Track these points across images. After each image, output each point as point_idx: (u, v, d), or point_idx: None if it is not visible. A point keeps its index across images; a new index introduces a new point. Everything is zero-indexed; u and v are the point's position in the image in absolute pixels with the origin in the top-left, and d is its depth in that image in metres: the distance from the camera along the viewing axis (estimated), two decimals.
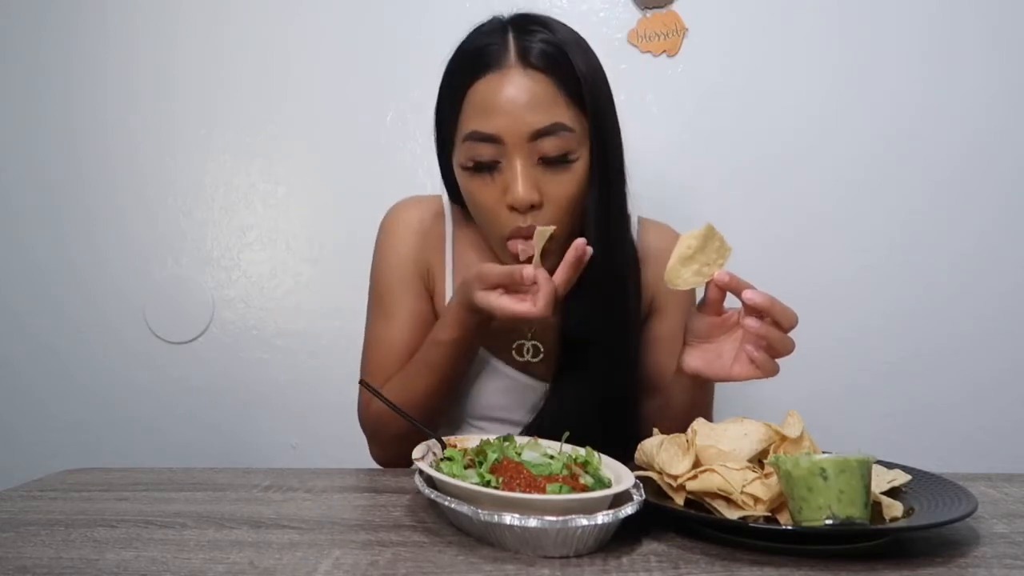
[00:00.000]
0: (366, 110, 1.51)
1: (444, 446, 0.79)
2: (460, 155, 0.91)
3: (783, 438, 0.73)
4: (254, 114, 1.53)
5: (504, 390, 1.02)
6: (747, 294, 0.78)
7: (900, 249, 1.44)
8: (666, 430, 0.77)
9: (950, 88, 1.43)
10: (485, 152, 0.88)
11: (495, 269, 0.82)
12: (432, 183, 1.51)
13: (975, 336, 1.43)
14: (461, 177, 0.92)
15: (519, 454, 0.73)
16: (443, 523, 0.71)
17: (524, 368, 1.02)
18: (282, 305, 1.54)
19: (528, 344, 1.01)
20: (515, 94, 0.86)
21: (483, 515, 0.62)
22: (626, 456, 0.76)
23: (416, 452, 0.75)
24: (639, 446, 0.78)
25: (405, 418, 0.82)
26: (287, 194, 1.54)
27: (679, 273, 0.79)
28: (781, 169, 1.46)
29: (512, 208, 0.88)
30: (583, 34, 1.45)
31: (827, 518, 0.62)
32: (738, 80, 1.46)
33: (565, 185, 0.89)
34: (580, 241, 0.82)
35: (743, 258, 1.45)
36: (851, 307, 1.45)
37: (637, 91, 1.45)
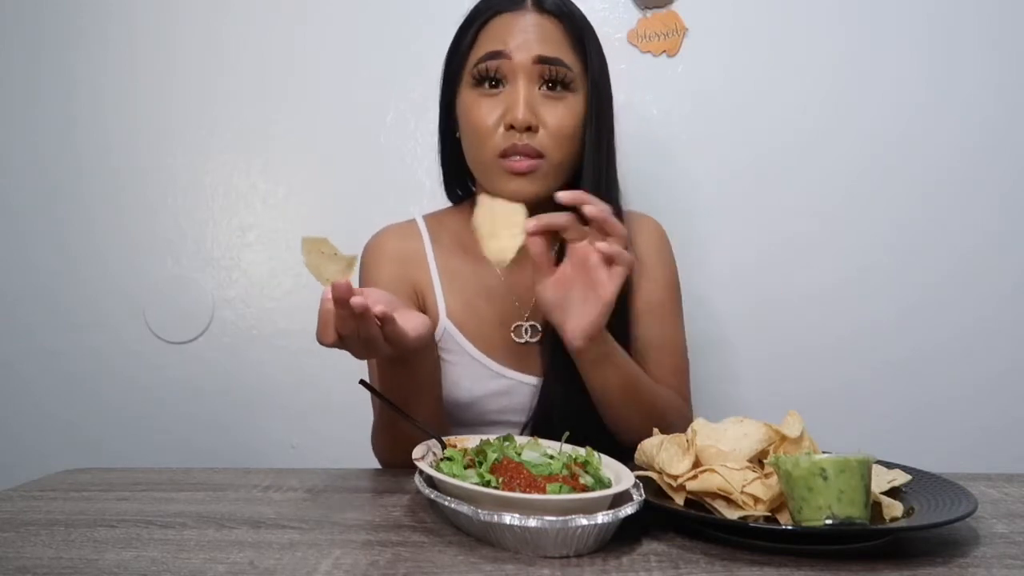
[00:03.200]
0: (366, 110, 1.51)
1: (444, 446, 0.79)
2: (470, 76, 0.97)
3: (783, 438, 0.73)
4: (254, 114, 1.53)
5: (501, 392, 1.02)
6: (589, 209, 0.81)
7: (900, 249, 1.44)
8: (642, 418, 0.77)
9: (950, 88, 1.43)
10: (492, 68, 0.95)
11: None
12: (432, 183, 1.52)
13: (975, 336, 1.43)
14: (467, 99, 0.98)
15: (519, 454, 0.73)
16: (443, 523, 0.71)
17: (519, 366, 1.02)
18: (282, 305, 1.54)
19: (526, 325, 1.03)
20: (527, 27, 0.96)
21: (483, 515, 0.62)
22: (625, 455, 0.77)
23: (416, 452, 0.75)
24: (639, 446, 0.78)
25: (405, 418, 0.82)
26: (287, 194, 1.54)
27: (498, 247, 0.81)
28: (780, 169, 1.45)
29: (511, 127, 0.93)
30: None
31: (827, 518, 0.62)
32: (738, 80, 1.45)
33: (561, 114, 0.95)
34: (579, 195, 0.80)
35: (743, 258, 1.47)
36: (851, 307, 1.45)
37: (637, 91, 1.45)
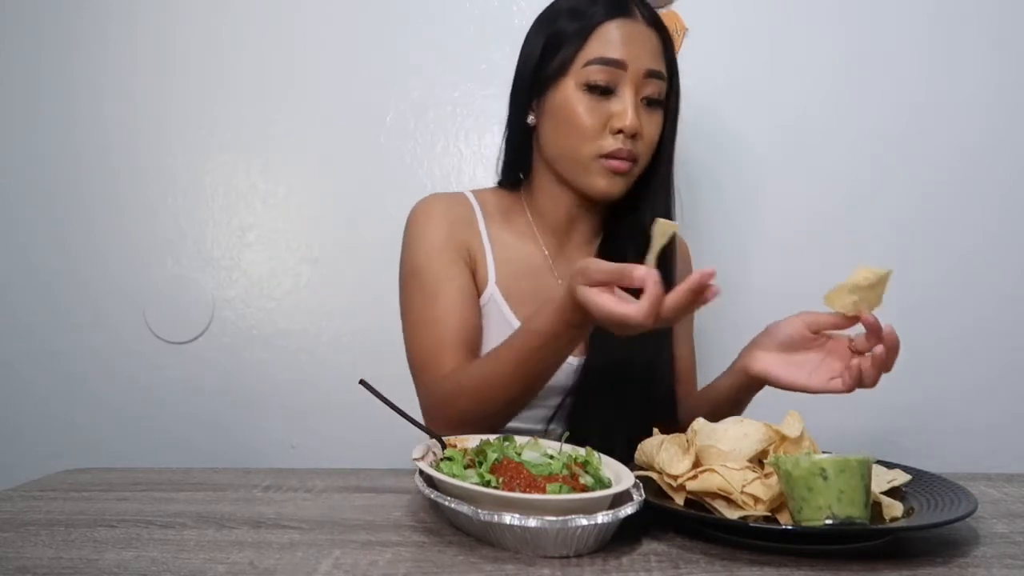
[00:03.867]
0: (366, 110, 1.51)
1: (444, 446, 0.79)
2: (579, 77, 1.00)
3: (783, 438, 0.73)
4: (254, 114, 1.53)
5: None
6: (888, 328, 0.87)
7: (899, 248, 1.44)
8: (686, 419, 0.78)
9: (950, 88, 1.43)
10: (606, 76, 0.99)
11: (602, 265, 0.77)
12: (432, 183, 1.53)
13: (975, 336, 1.43)
14: (572, 97, 1.00)
15: (519, 454, 0.73)
16: (443, 523, 0.71)
17: None
18: (282, 305, 1.54)
19: None
20: (641, 39, 1.01)
21: (483, 515, 0.62)
22: (628, 450, 0.77)
23: (416, 452, 0.75)
24: (639, 446, 0.78)
25: (405, 418, 0.82)
26: (287, 194, 1.54)
27: (841, 296, 0.84)
28: (780, 169, 1.45)
29: (618, 132, 0.99)
30: None
31: (827, 518, 0.62)
32: (738, 80, 1.45)
33: (654, 126, 1.03)
34: (710, 270, 0.77)
35: (742, 257, 1.47)
36: None
37: None
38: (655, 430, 0.80)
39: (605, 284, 0.77)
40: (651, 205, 1.06)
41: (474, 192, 1.13)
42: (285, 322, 1.54)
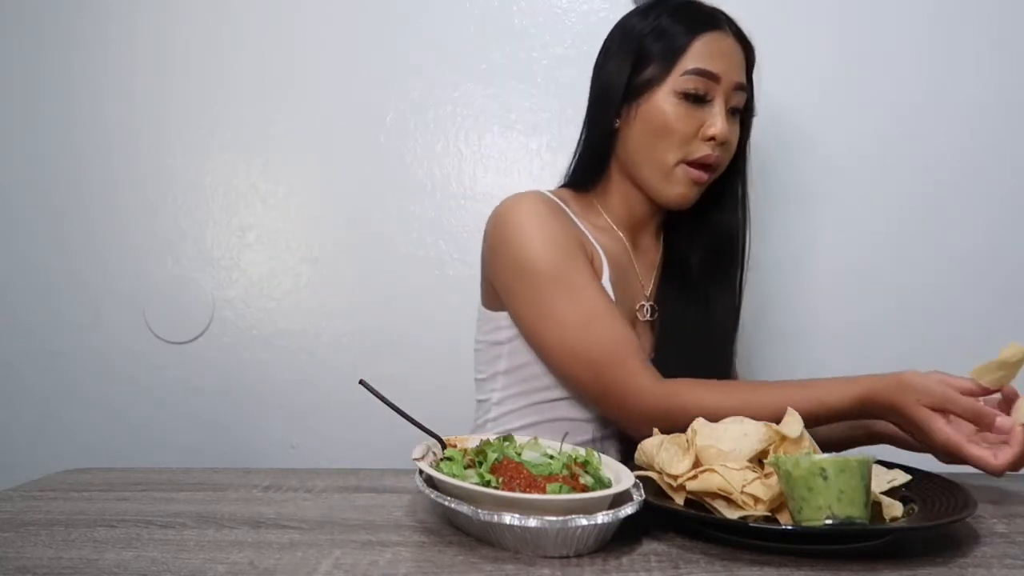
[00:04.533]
0: (366, 110, 1.51)
1: (444, 446, 0.79)
2: (675, 85, 1.04)
3: (783, 438, 0.73)
4: (254, 114, 1.53)
5: None
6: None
7: (898, 248, 1.44)
8: None
9: (950, 88, 1.43)
10: (703, 87, 1.04)
11: (964, 403, 0.78)
12: (432, 183, 1.53)
13: (975, 335, 1.43)
14: (667, 105, 1.04)
15: (519, 454, 0.73)
16: (443, 523, 0.71)
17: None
18: (282, 305, 1.54)
19: (647, 305, 1.13)
20: (735, 55, 1.07)
21: (483, 515, 0.62)
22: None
23: (416, 452, 0.75)
24: (639, 446, 0.78)
25: (405, 418, 0.82)
26: (287, 194, 1.54)
27: (990, 371, 0.81)
28: (780, 168, 1.45)
29: (709, 139, 1.04)
30: (583, 34, 1.46)
31: (827, 518, 0.62)
32: None
33: (736, 135, 1.09)
34: None
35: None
36: (850, 306, 1.45)
37: None
38: (655, 430, 0.80)
39: (955, 415, 0.79)
40: (719, 209, 1.14)
41: (550, 192, 1.11)
42: (285, 322, 1.54)
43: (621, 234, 1.13)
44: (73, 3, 1.55)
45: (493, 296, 1.08)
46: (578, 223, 1.08)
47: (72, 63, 1.55)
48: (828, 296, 1.45)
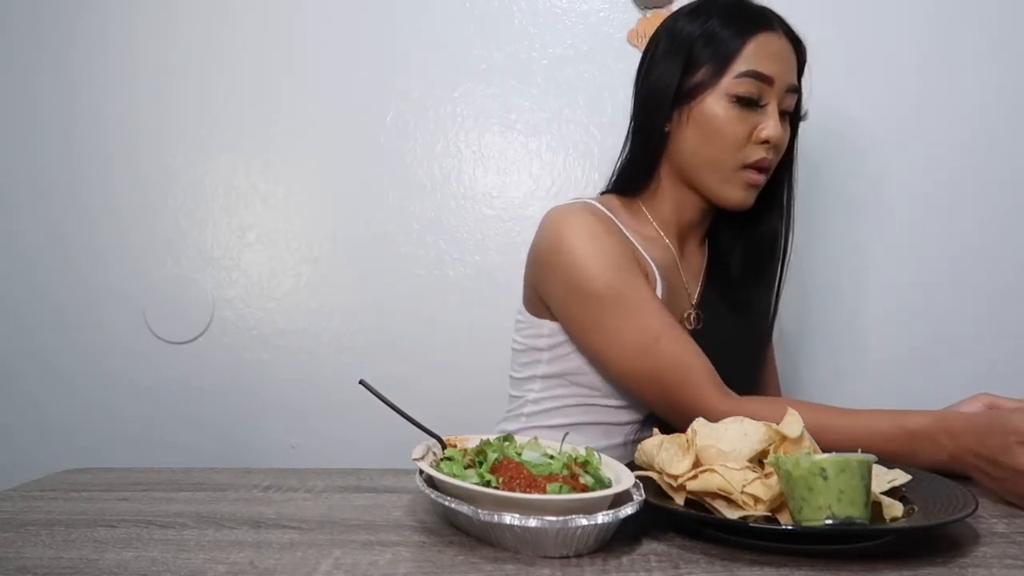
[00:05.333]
0: (366, 110, 1.51)
1: (444, 446, 0.79)
2: (729, 88, 1.02)
3: (783, 438, 0.73)
4: (254, 114, 1.53)
5: None
6: None
7: (898, 247, 1.44)
8: None
9: (950, 88, 1.43)
10: (756, 91, 1.02)
11: None
12: (432, 183, 1.53)
13: (975, 335, 1.43)
14: (720, 108, 1.03)
15: (519, 454, 0.73)
16: (443, 523, 0.71)
17: None
18: (282, 305, 1.54)
19: (693, 313, 1.12)
20: (787, 56, 1.05)
21: (483, 515, 0.62)
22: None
23: (416, 452, 0.75)
24: (639, 446, 0.78)
25: (405, 418, 0.82)
26: (287, 194, 1.54)
27: None
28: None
29: (763, 142, 1.03)
30: (583, 34, 1.45)
31: (827, 518, 0.62)
32: None
33: (787, 136, 1.07)
34: None
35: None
36: (850, 305, 1.45)
37: None
38: (655, 430, 0.80)
39: None
40: (766, 211, 1.12)
41: (597, 201, 1.09)
42: (285, 322, 1.54)
43: (668, 242, 1.11)
44: (73, 3, 1.55)
45: (538, 303, 1.08)
46: (629, 236, 1.06)
47: (72, 63, 1.55)
48: (827, 298, 1.45)
